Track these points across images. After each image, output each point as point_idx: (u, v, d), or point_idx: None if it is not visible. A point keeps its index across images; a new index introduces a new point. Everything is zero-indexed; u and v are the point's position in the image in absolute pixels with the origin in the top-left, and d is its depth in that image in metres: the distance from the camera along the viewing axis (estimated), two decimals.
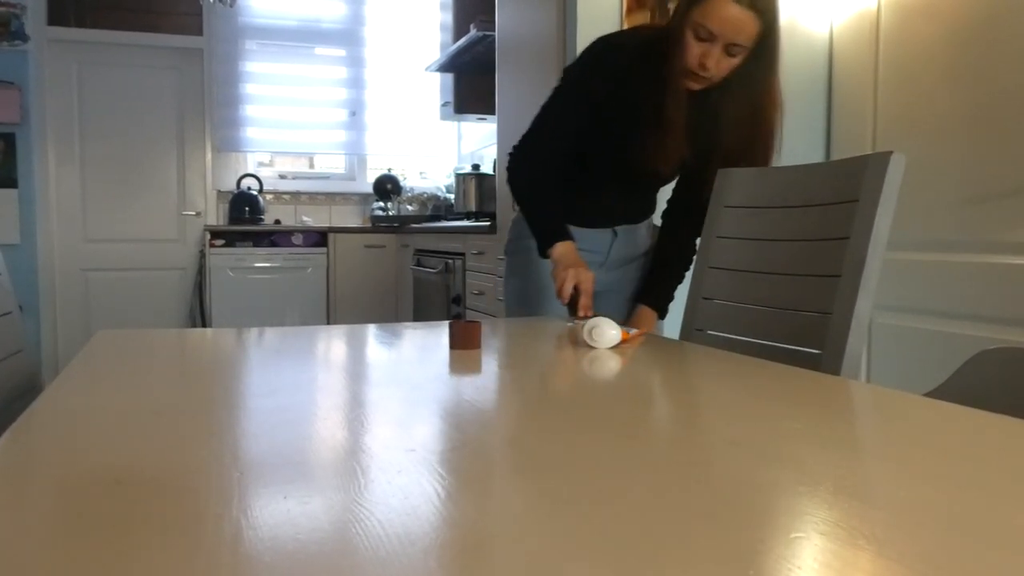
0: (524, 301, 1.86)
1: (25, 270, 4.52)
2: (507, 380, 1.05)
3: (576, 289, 1.61)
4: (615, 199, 1.85)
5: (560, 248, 1.67)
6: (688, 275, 1.73)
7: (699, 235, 1.86)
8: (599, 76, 1.70)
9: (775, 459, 0.66)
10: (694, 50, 1.56)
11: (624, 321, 1.74)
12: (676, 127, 1.64)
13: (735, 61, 1.57)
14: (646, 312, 1.86)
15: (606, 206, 1.85)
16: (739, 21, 1.51)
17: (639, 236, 1.90)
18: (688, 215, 1.84)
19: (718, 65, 1.57)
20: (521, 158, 1.78)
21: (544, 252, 1.70)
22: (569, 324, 1.56)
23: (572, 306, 1.64)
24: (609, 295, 1.85)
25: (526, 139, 1.78)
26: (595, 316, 1.48)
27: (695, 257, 1.74)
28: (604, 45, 1.73)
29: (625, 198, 1.86)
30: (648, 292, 1.87)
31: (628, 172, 1.77)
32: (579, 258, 1.67)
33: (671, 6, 2.34)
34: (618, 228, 1.86)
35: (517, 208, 1.85)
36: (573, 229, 1.74)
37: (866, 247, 1.32)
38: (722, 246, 1.67)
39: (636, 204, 1.89)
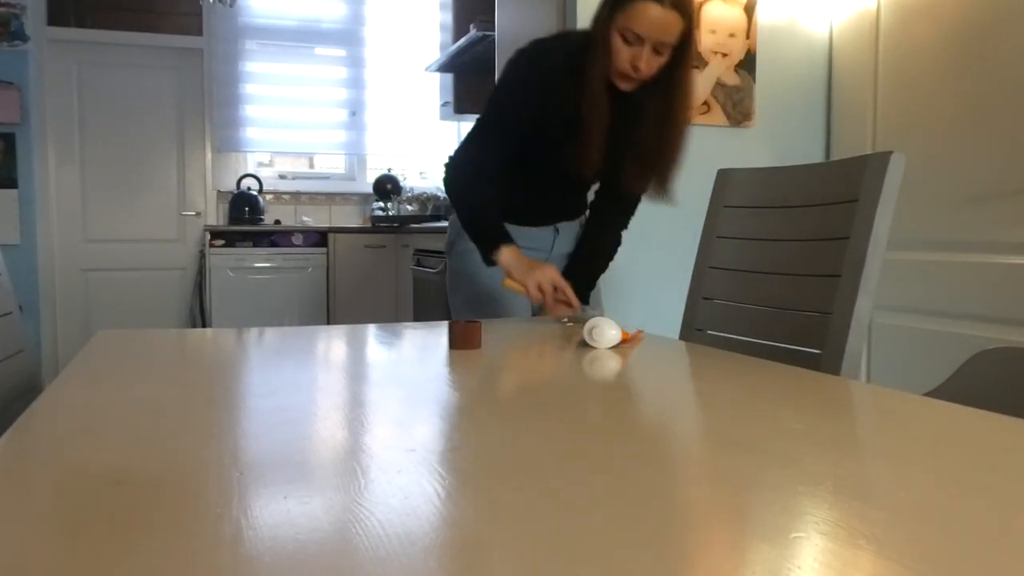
0: (475, 303, 1.87)
1: (25, 270, 4.52)
2: (507, 380, 1.05)
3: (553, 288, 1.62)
4: (555, 198, 1.89)
5: (507, 254, 1.68)
6: (686, 275, 1.73)
7: (624, 228, 1.91)
8: (530, 83, 1.71)
9: (775, 459, 0.66)
10: (624, 54, 1.60)
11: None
12: (598, 130, 1.66)
13: (663, 59, 1.61)
14: None
15: (547, 205, 1.89)
16: (664, 22, 1.55)
17: (578, 232, 1.96)
18: (612, 209, 1.89)
19: (648, 65, 1.60)
20: (457, 168, 1.78)
21: (488, 260, 1.71)
22: (568, 324, 1.56)
23: (551, 305, 1.63)
24: None
25: (462, 149, 1.78)
26: (586, 314, 1.48)
27: (696, 258, 1.74)
28: (533, 52, 1.73)
29: (564, 197, 1.91)
30: (575, 279, 1.83)
31: (564, 173, 1.78)
32: (527, 259, 1.69)
33: None
34: (559, 225, 1.91)
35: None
36: (516, 228, 1.75)
37: (866, 247, 1.32)
38: (722, 246, 1.67)
39: (574, 202, 1.94)
